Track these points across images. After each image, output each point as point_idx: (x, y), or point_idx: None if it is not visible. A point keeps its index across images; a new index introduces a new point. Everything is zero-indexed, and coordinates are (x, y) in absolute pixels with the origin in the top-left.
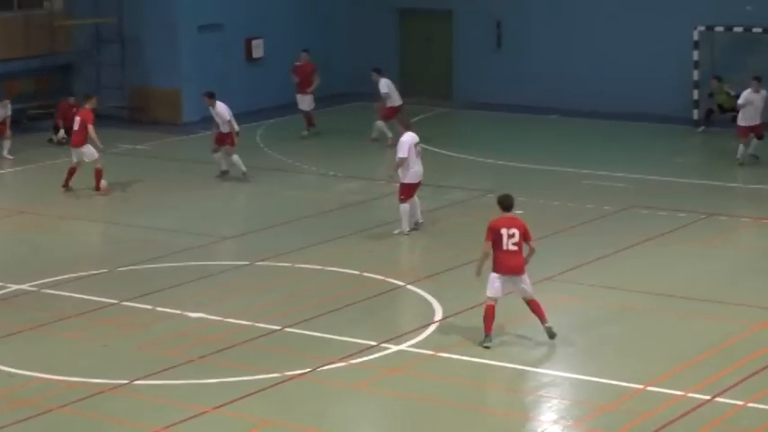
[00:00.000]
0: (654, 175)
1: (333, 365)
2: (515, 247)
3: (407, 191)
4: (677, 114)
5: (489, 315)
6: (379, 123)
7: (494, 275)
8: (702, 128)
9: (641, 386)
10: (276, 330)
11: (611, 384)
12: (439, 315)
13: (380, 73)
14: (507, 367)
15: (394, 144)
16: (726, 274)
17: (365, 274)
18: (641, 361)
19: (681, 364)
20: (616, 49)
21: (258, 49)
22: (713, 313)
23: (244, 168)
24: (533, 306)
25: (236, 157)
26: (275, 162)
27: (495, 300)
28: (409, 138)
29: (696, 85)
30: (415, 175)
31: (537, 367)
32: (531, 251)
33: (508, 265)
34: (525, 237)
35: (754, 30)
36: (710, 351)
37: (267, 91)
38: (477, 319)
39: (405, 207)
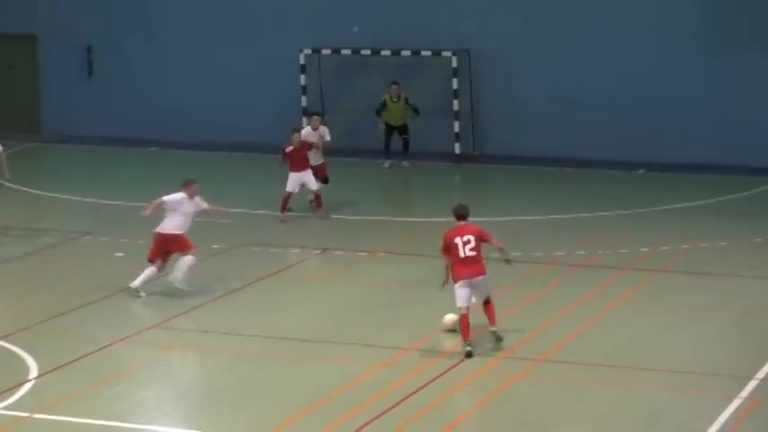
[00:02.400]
0: (264, 210)
1: None
2: (473, 253)
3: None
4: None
5: (465, 324)
6: None
7: (458, 285)
8: (389, 162)
9: None
10: None
11: None
12: (34, 372)
13: None
14: (111, 426)
15: None
16: (344, 313)
17: None
18: (258, 411)
19: (300, 411)
20: (218, 75)
21: None
22: (332, 355)
23: None
24: (488, 309)
25: None
26: None
27: (468, 308)
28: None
29: (305, 111)
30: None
31: (145, 423)
32: (500, 249)
33: (469, 272)
34: (483, 238)
35: (362, 52)
36: (331, 395)
37: None
38: (77, 375)
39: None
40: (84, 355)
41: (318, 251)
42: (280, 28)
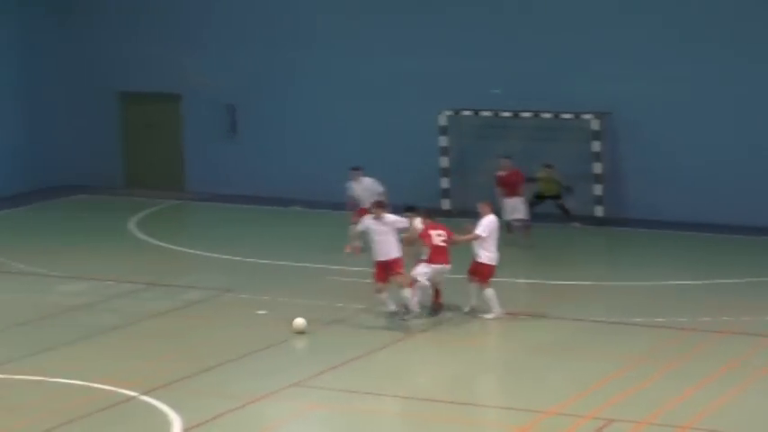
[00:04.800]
0: None
1: None
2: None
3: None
4: (425, 204)
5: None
6: None
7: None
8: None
9: None
10: None
11: None
12: (177, 428)
13: None
14: None
15: None
16: (483, 375)
17: (93, 384)
18: None
19: None
20: (359, 135)
21: None
22: (470, 416)
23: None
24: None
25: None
26: None
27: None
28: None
29: (445, 172)
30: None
31: None
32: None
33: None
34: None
35: (502, 113)
36: None
37: None
38: (219, 431)
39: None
40: (226, 412)
41: (467, 309)
42: (422, 88)
